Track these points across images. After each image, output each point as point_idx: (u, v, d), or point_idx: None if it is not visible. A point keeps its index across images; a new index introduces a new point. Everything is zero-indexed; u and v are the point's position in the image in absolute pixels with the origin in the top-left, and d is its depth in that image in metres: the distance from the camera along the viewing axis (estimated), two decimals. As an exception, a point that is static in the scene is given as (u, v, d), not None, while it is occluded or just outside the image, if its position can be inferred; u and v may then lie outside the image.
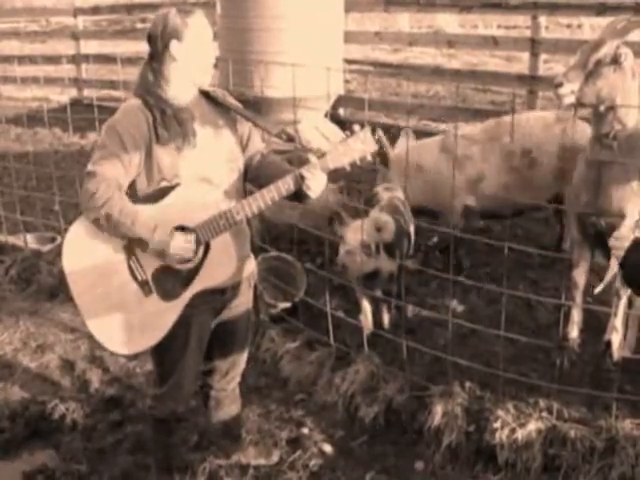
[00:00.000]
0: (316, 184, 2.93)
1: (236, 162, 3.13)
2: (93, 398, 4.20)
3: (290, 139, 3.24)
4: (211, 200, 2.96)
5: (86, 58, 11.74)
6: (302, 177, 2.91)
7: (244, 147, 3.18)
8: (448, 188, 4.64)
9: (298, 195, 2.97)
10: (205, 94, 3.09)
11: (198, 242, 2.93)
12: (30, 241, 5.97)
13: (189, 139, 2.95)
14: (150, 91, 2.95)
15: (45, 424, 4.02)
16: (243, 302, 3.30)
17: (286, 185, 2.93)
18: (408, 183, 4.67)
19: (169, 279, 2.96)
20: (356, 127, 2.94)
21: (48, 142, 8.86)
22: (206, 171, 2.99)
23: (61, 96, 11.68)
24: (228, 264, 3.05)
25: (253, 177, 3.19)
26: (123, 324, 2.99)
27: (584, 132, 4.74)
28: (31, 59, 12.05)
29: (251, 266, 3.30)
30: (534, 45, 7.70)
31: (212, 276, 3.01)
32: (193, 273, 2.98)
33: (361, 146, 2.92)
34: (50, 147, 8.36)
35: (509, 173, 5.03)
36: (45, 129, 8.83)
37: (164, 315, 2.98)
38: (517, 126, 5.01)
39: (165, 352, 3.11)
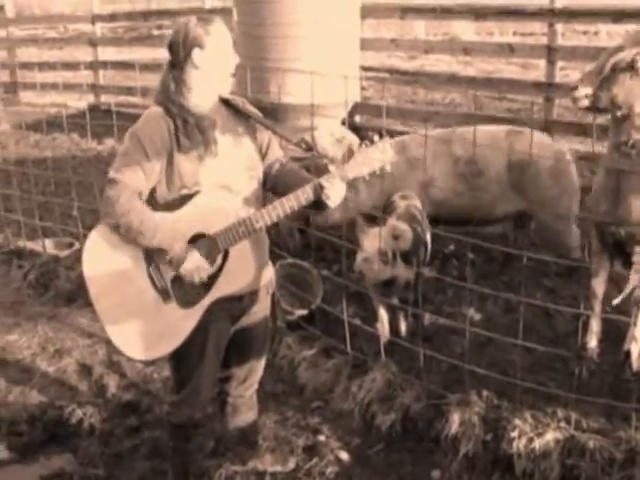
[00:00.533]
0: (335, 194, 2.95)
1: (255, 170, 3.14)
2: (110, 403, 4.22)
3: (309, 148, 3.25)
4: (230, 208, 2.98)
5: (104, 65, 11.81)
6: (321, 187, 2.92)
7: (263, 155, 3.19)
8: (400, 189, 4.72)
9: (317, 204, 2.99)
10: (225, 102, 3.10)
11: (217, 249, 2.95)
12: (48, 246, 6.01)
13: (211, 147, 2.97)
14: (172, 99, 2.96)
15: (63, 428, 4.05)
16: (261, 309, 3.31)
17: (305, 194, 2.94)
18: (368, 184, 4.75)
19: (188, 286, 2.97)
20: (375, 137, 2.95)
21: (66, 148, 8.93)
22: (226, 179, 3.01)
23: (79, 102, 11.74)
24: (246, 272, 3.07)
25: (272, 185, 3.21)
26: (141, 330, 3.00)
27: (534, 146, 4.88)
28: (49, 65, 12.14)
29: (269, 273, 3.31)
30: (551, 52, 7.67)
31: (231, 283, 3.03)
32: (212, 280, 2.99)
33: (380, 156, 2.94)
34: (68, 153, 8.43)
35: (455, 179, 5.16)
36: (63, 135, 8.88)
37: (182, 322, 2.99)
38: (465, 137, 5.11)
39: (182, 359, 3.12)
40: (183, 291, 2.98)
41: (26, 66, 12.71)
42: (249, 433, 3.60)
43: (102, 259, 2.99)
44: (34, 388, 4.38)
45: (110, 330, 3.02)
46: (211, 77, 2.99)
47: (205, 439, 3.77)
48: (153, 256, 2.96)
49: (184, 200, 2.96)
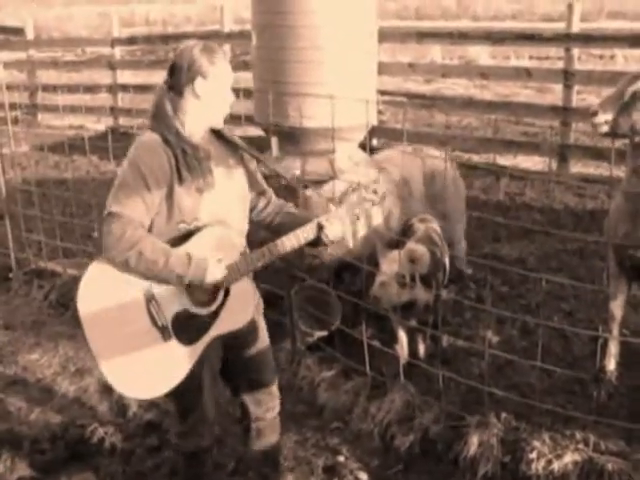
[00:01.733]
0: (333, 233, 3.04)
1: (246, 202, 3.16)
2: (131, 422, 4.24)
3: (305, 186, 3.42)
4: (229, 242, 3.00)
5: (122, 87, 11.94)
6: (321, 226, 3.02)
7: (251, 186, 3.20)
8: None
9: (315, 242, 3.08)
10: (214, 132, 3.08)
11: (219, 287, 2.97)
12: (69, 267, 6.06)
13: (209, 180, 2.94)
14: (169, 126, 2.90)
15: (84, 447, 4.06)
16: (259, 334, 3.30)
17: (306, 234, 3.03)
18: None
19: (189, 324, 2.95)
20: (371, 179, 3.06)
21: (85, 170, 9.02)
22: (222, 212, 3.00)
23: (97, 125, 11.89)
24: (245, 304, 3.10)
25: (260, 219, 3.25)
26: (140, 369, 2.92)
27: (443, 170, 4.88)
28: (68, 88, 12.30)
29: (256, 295, 3.29)
30: (567, 77, 7.72)
31: (232, 318, 3.04)
32: (213, 317, 2.99)
33: (372, 196, 3.07)
34: (87, 175, 8.51)
35: (400, 203, 5.11)
36: (82, 157, 8.98)
37: (182, 359, 2.96)
38: (395, 160, 5.13)
39: (182, 393, 3.07)
40: (184, 328, 2.94)
41: (45, 88, 12.88)
42: (271, 453, 3.60)
43: (100, 296, 2.87)
44: (55, 407, 4.41)
45: (107, 369, 2.89)
46: (208, 108, 2.96)
47: (226, 458, 3.79)
48: (153, 293, 2.90)
49: (185, 237, 2.92)
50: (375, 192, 3.08)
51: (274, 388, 3.43)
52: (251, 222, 3.21)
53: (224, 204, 3.01)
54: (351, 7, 7.37)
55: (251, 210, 3.22)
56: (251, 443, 3.50)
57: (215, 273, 2.88)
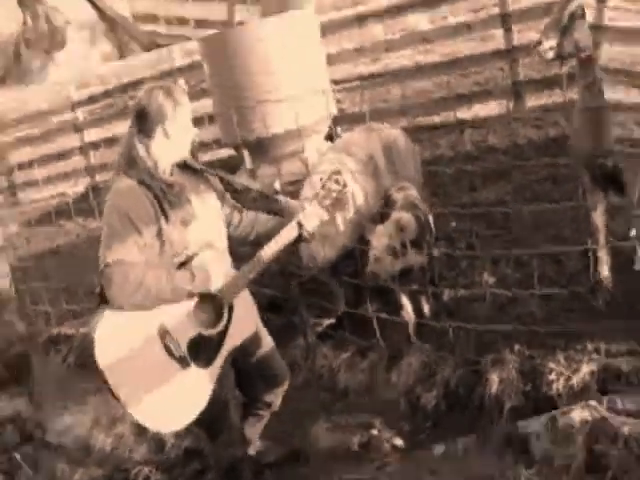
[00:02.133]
0: (312, 226, 3.26)
1: (222, 221, 3.32)
2: (172, 454, 4.30)
3: (275, 192, 3.67)
4: (219, 263, 3.15)
5: (93, 145, 12.01)
6: (300, 224, 3.22)
7: (222, 203, 3.36)
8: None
9: (297, 239, 3.28)
10: (179, 165, 3.22)
11: (222, 305, 3.11)
12: (80, 327, 6.15)
13: (190, 211, 3.10)
14: (143, 167, 3.03)
15: (131, 489, 4.12)
16: (260, 335, 3.46)
17: (289, 234, 3.23)
18: None
19: (203, 346, 3.07)
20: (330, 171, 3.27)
21: (75, 233, 9.12)
22: (207, 237, 3.15)
23: (76, 187, 11.98)
24: (249, 315, 3.28)
25: (239, 234, 3.43)
26: (168, 403, 3.03)
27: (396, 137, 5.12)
28: (41, 160, 12.37)
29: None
30: (505, 19, 7.84)
31: (239, 331, 3.20)
32: (223, 334, 3.13)
33: (337, 187, 3.27)
34: (78, 238, 8.63)
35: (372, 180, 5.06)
36: (69, 221, 9.08)
37: (204, 381, 3.10)
38: (357, 140, 5.16)
39: (208, 415, 3.17)
40: (200, 352, 3.07)
41: (19, 167, 12.96)
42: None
43: (116, 346, 2.96)
44: (96, 460, 4.49)
45: (136, 412, 2.99)
46: (177, 144, 3.12)
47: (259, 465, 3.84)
48: (167, 328, 3.01)
49: (179, 267, 3.07)
50: (337, 182, 3.28)
51: (286, 384, 3.60)
52: (230, 239, 3.35)
53: (207, 229, 3.17)
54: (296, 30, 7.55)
55: (227, 226, 3.36)
56: (248, 425, 3.63)
57: (218, 278, 3.06)
